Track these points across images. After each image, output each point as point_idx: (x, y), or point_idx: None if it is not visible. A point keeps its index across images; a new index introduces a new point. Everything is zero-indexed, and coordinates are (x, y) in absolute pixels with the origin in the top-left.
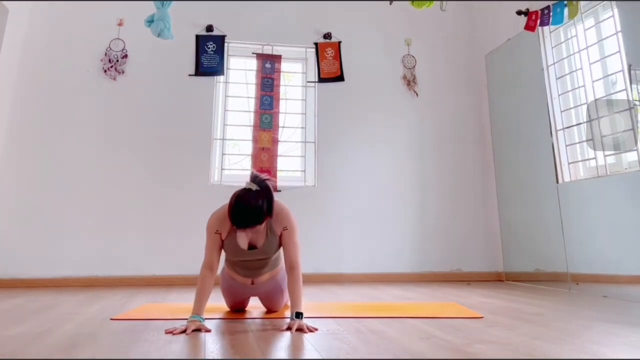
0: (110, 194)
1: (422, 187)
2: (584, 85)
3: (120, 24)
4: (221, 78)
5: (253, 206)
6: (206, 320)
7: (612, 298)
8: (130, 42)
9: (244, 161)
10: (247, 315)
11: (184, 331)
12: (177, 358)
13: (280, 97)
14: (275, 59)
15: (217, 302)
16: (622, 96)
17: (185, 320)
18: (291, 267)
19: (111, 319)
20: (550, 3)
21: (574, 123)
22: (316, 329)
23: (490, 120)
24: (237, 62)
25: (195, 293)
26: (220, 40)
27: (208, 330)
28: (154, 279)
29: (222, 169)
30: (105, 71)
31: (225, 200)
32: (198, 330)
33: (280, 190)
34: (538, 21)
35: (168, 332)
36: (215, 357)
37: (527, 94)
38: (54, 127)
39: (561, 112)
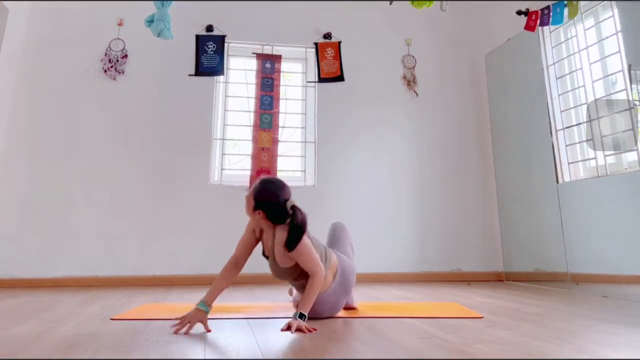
0: (110, 193)
1: (422, 187)
2: (584, 85)
3: (120, 24)
4: (221, 78)
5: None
6: (208, 321)
7: (612, 298)
8: (130, 42)
9: (244, 161)
10: (247, 315)
11: (186, 324)
12: (177, 358)
13: (280, 97)
14: (275, 59)
15: (217, 302)
16: (622, 96)
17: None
18: (310, 276)
19: (111, 319)
20: (550, 3)
21: (574, 123)
22: (315, 330)
23: (490, 120)
24: (237, 62)
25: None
26: (220, 40)
27: (208, 331)
28: (154, 279)
29: (222, 169)
30: (105, 71)
31: (224, 199)
32: (201, 322)
33: None
34: (538, 21)
35: (176, 329)
36: (216, 357)
37: (527, 94)
38: (53, 127)
39: (561, 112)
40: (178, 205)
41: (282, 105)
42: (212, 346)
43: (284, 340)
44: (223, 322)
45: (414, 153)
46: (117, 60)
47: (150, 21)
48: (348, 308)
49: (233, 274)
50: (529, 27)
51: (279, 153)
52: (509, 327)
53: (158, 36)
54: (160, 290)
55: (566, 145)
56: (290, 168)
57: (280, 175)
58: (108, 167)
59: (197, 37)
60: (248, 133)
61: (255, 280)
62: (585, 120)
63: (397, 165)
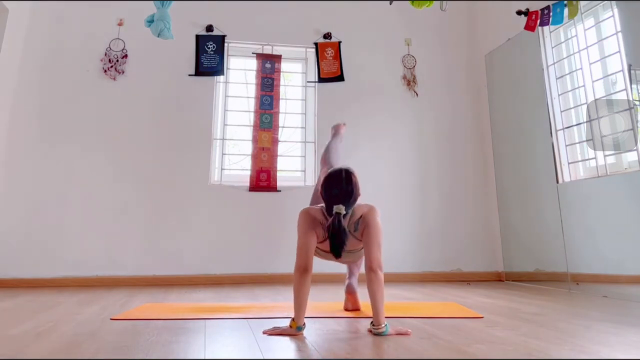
0: (110, 193)
1: (422, 187)
2: (584, 85)
3: (120, 24)
4: (221, 78)
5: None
6: (208, 321)
7: (612, 298)
8: (130, 42)
9: (244, 161)
10: (247, 315)
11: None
12: (177, 358)
13: (280, 97)
14: (275, 59)
15: (217, 302)
16: (622, 96)
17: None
18: (370, 270)
19: (111, 319)
20: (550, 3)
21: (574, 123)
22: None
23: (490, 120)
24: (237, 62)
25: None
26: (220, 40)
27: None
28: (154, 279)
29: (222, 169)
30: (105, 71)
31: (224, 199)
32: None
33: (280, 190)
34: (538, 21)
35: (269, 333)
36: (216, 357)
37: (527, 94)
38: (54, 127)
39: (561, 112)
40: (178, 205)
41: (282, 105)
42: (212, 346)
43: (284, 340)
44: (223, 322)
45: (414, 153)
46: (117, 60)
47: (150, 21)
48: (353, 309)
49: (308, 282)
50: (529, 27)
51: (279, 153)
52: (509, 327)
53: (158, 36)
54: (160, 290)
55: (566, 145)
56: (290, 168)
57: (280, 175)
58: (108, 167)
59: (197, 37)
60: (248, 133)
61: (255, 280)
62: (585, 120)
63: (397, 165)
